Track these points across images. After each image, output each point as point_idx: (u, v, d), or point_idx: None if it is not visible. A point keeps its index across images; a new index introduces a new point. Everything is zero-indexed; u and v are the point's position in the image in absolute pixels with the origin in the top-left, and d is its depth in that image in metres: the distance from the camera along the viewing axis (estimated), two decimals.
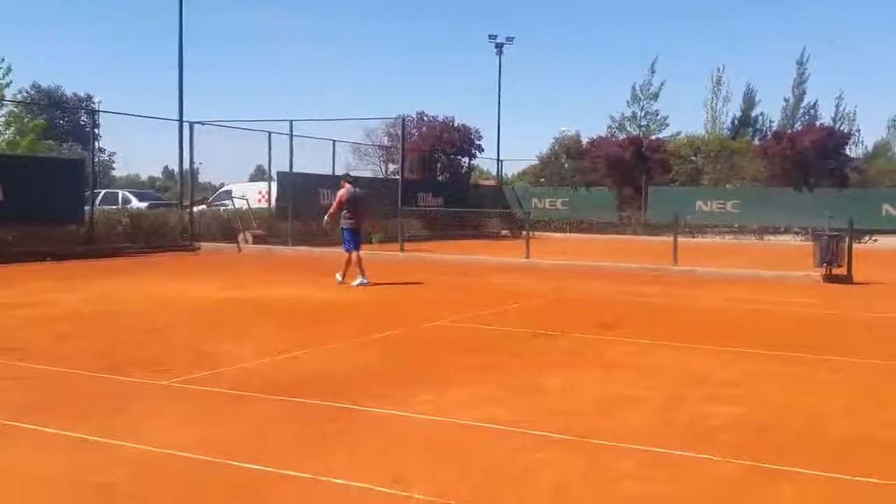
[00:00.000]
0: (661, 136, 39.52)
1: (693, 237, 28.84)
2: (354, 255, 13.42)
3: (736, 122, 45.21)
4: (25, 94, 28.50)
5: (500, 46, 39.82)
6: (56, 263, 16.31)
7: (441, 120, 35.30)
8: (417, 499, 3.85)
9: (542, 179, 39.32)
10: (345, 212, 13.60)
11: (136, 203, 27.06)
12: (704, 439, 4.91)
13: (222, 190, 29.20)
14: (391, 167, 36.90)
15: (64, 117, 47.55)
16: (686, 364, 7.27)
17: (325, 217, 14.30)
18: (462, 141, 35.00)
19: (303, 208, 23.69)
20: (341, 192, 13.78)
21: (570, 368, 6.96)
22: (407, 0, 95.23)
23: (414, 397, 5.76)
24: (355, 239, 13.56)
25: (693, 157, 37.10)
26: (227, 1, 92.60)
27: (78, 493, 3.87)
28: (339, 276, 13.30)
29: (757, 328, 9.63)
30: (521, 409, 5.53)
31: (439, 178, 35.13)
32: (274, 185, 24.27)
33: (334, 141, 27.21)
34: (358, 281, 13.13)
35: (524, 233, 20.16)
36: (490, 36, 39.93)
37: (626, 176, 34.05)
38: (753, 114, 45.48)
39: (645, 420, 5.38)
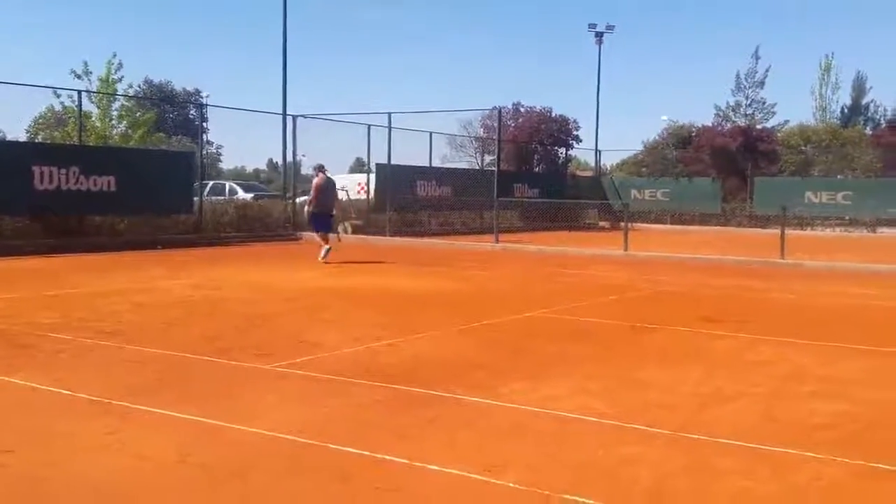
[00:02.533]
0: (767, 125, 38.22)
1: (801, 230, 27.83)
2: (326, 236, 15.27)
3: (846, 110, 43.33)
4: (137, 89, 29.73)
5: (600, 35, 39.25)
6: (166, 251, 17.01)
7: (538, 110, 35.05)
8: (511, 487, 3.85)
9: (644, 169, 38.62)
10: (317, 199, 15.43)
11: (242, 194, 27.96)
12: (807, 436, 4.75)
13: None
14: (487, 158, 36.92)
15: (174, 111, 49.41)
16: (790, 359, 7.04)
17: (307, 207, 16.02)
18: (559, 131, 34.67)
19: (400, 199, 23.99)
20: (317, 181, 15.50)
21: (669, 362, 6.83)
22: None
23: (509, 387, 5.76)
24: (326, 222, 15.52)
25: (803, 147, 35.73)
26: None
27: (184, 472, 4.03)
28: (321, 256, 14.84)
29: (867, 324, 9.23)
30: (617, 402, 5.46)
31: (536, 169, 34.92)
32: (373, 177, 24.64)
33: (431, 133, 27.42)
34: (323, 252, 14.86)
35: (623, 224, 19.85)
36: (590, 25, 39.42)
37: (732, 166, 33.08)
38: (864, 101, 43.49)
39: (746, 416, 5.23)
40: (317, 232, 15.54)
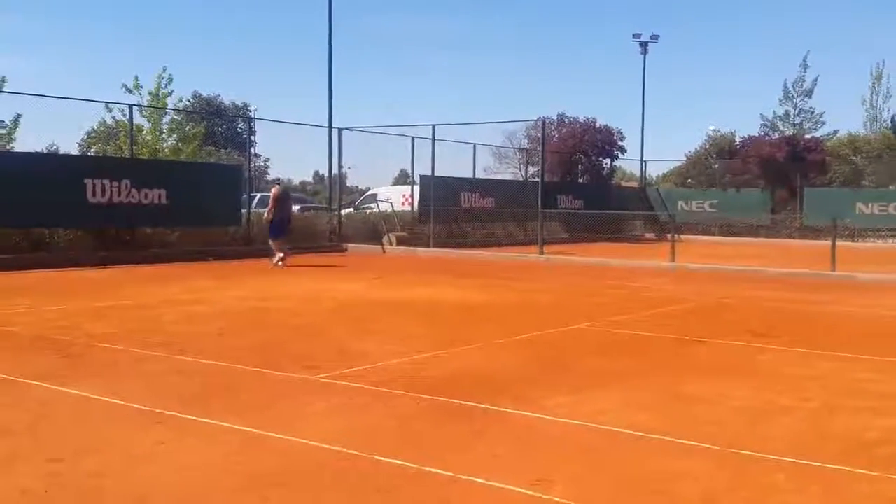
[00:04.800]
0: (816, 134, 37.56)
1: (853, 241, 27.29)
2: (279, 242, 16.85)
3: None
4: (186, 103, 30.27)
5: (644, 45, 38.94)
6: (216, 263, 17.25)
7: (582, 121, 34.86)
8: (557, 501, 3.83)
9: (689, 180, 38.19)
10: (274, 208, 17.18)
11: None
12: (859, 453, 4.64)
13: (368, 193, 30.06)
14: (531, 169, 36.84)
15: (222, 125, 50.23)
16: (842, 374, 6.89)
17: (266, 214, 17.50)
18: (604, 142, 34.42)
19: (444, 211, 24.05)
20: (274, 191, 17.57)
21: (717, 376, 6.74)
22: (548, 1, 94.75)
23: (553, 400, 5.73)
24: (283, 228, 17.18)
25: (853, 157, 35.03)
26: (373, 6, 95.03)
27: (230, 480, 4.08)
28: (273, 260, 16.52)
29: None
30: (664, 416, 5.40)
31: (580, 179, 34.74)
32: (417, 189, 24.74)
33: (475, 144, 27.47)
34: (276, 259, 16.49)
35: (669, 236, 19.65)
36: (634, 35, 39.10)
37: (780, 177, 32.57)
38: None
39: (796, 431, 5.13)
40: (275, 239, 17.03)
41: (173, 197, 18.50)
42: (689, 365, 7.24)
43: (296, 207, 27.72)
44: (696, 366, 7.21)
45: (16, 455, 4.42)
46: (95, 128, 24.65)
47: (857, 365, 7.29)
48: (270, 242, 17.18)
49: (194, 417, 5.16)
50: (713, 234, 32.15)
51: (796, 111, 39.76)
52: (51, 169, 17.07)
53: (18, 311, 9.92)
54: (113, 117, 21.69)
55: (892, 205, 29.95)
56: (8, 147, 20.15)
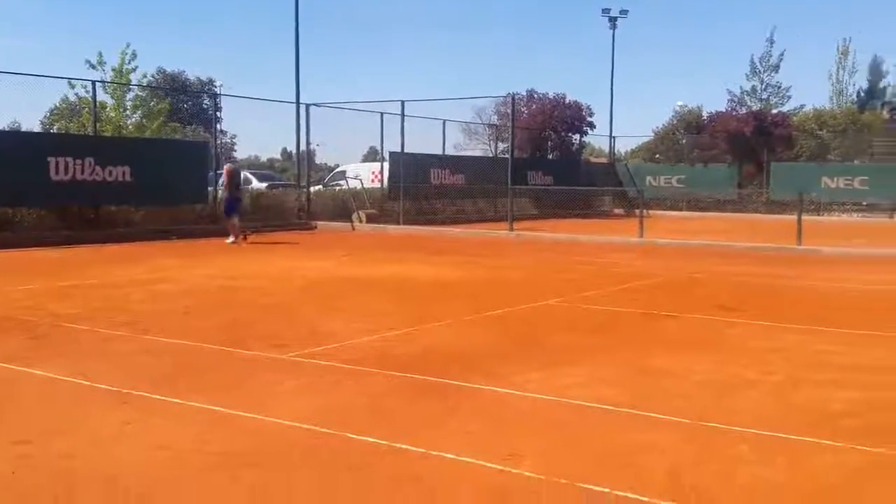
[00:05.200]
0: (783, 109, 37.89)
1: (819, 215, 27.68)
2: (235, 218, 17.09)
3: (862, 94, 42.90)
4: (151, 79, 29.80)
5: (613, 20, 38.96)
6: (181, 241, 17.07)
7: (551, 97, 34.87)
8: (528, 476, 3.86)
9: (658, 156, 38.40)
10: (229, 185, 17.53)
11: (256, 184, 28.02)
12: (824, 424, 4.73)
13: (337, 170, 29.87)
14: (501, 146, 36.79)
15: (187, 101, 49.50)
16: (807, 347, 7.01)
17: (222, 192, 17.95)
18: (573, 118, 34.49)
19: (414, 188, 23.99)
20: (227, 168, 17.89)
21: (684, 350, 6.81)
22: None
23: (524, 376, 5.76)
24: (235, 206, 17.32)
25: (819, 132, 35.43)
26: None
27: (201, 461, 4.06)
28: (229, 240, 16.77)
29: (886, 310, 9.17)
30: (632, 391, 5.45)
31: (550, 156, 34.80)
32: (386, 165, 24.64)
33: (444, 121, 27.38)
34: (230, 240, 16.73)
35: (638, 211, 19.79)
36: (603, 10, 39.10)
37: (747, 152, 32.88)
38: (882, 85, 43.04)
39: (762, 404, 5.22)
40: (231, 216, 17.24)
41: (138, 174, 18.24)
42: (657, 339, 7.31)
43: (263, 185, 27.60)
44: (664, 340, 7.28)
45: None
46: (58, 105, 24.22)
47: (821, 337, 7.41)
48: (226, 221, 17.35)
49: (162, 397, 5.12)
50: (681, 210, 32.43)
51: (763, 86, 40.00)
52: (13, 147, 16.75)
53: None
54: (76, 94, 21.27)
55: (857, 179, 30.42)
56: None
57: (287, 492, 3.72)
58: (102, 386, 5.37)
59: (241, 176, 18.89)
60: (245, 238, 16.98)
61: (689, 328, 7.95)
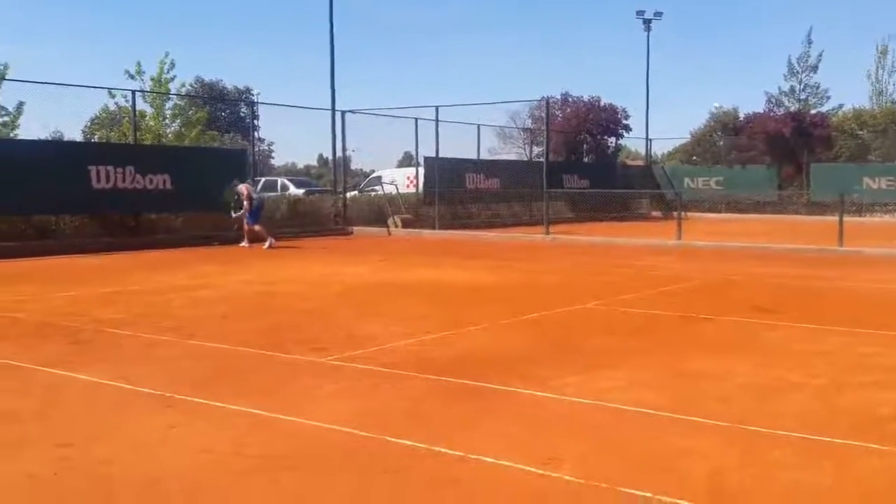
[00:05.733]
0: (822, 110, 37.28)
1: (860, 216, 27.21)
2: (257, 226, 17.64)
3: None
4: (189, 88, 30.21)
5: (648, 22, 38.65)
6: (221, 248, 17.27)
7: (586, 100, 34.68)
8: (567, 480, 3.84)
9: (695, 158, 38.01)
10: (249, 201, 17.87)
11: (293, 190, 28.28)
12: (870, 428, 4.64)
13: (373, 176, 30.02)
14: (535, 150, 36.70)
15: (225, 109, 50.12)
16: (851, 349, 6.88)
17: (242, 212, 17.78)
18: (609, 121, 34.28)
19: (449, 192, 24.02)
20: (245, 189, 17.90)
21: (724, 353, 6.73)
22: None
23: (562, 379, 5.73)
24: (258, 213, 17.99)
25: (859, 132, 34.83)
26: None
27: (241, 463, 4.09)
28: (266, 244, 17.26)
29: None
30: (671, 394, 5.40)
31: (585, 159, 34.63)
32: (421, 171, 24.70)
33: (479, 125, 27.40)
34: (268, 242, 17.32)
35: (676, 213, 19.60)
36: (638, 12, 38.83)
37: (787, 153, 32.43)
38: None
39: (805, 407, 5.13)
40: (256, 223, 17.72)
41: (177, 182, 18.50)
42: (696, 342, 7.23)
43: (301, 191, 27.82)
44: (704, 343, 7.20)
45: (24, 440, 4.44)
46: (99, 114, 24.66)
47: (865, 339, 7.27)
48: (256, 229, 17.62)
49: (204, 401, 5.18)
50: (720, 212, 32.08)
51: (801, 87, 39.38)
52: (55, 156, 17.10)
53: (26, 298, 9.95)
54: (116, 103, 21.69)
55: None
56: (12, 135, 20.16)
57: (326, 494, 3.74)
58: (145, 390, 5.45)
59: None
60: (250, 244, 17.41)
61: (729, 331, 7.85)
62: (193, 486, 3.83)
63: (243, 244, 17.53)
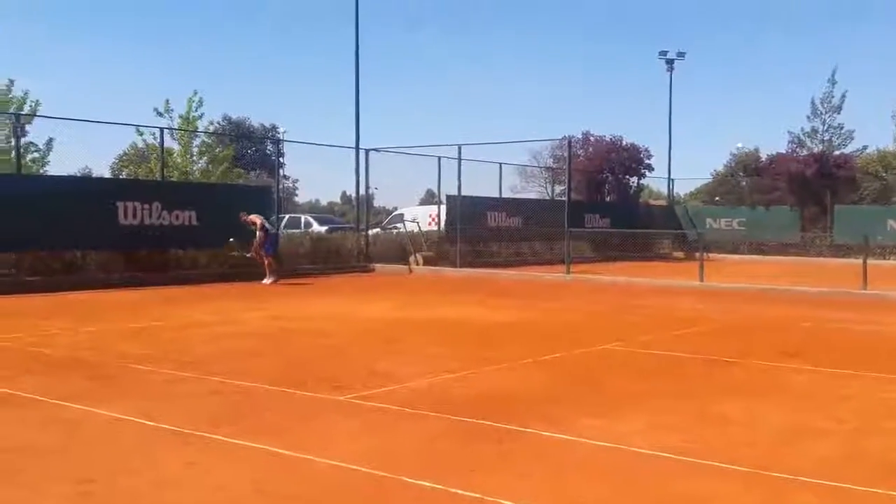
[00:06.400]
0: (846, 151, 37.11)
1: (885, 259, 26.93)
2: (271, 258, 17.91)
3: None
4: (216, 126, 30.63)
5: (670, 63, 38.85)
6: (245, 284, 17.35)
7: (608, 139, 34.82)
8: None
9: (717, 199, 37.91)
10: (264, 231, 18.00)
11: (316, 227, 28.48)
12: (894, 474, 4.56)
13: (395, 213, 30.17)
14: (557, 188, 36.79)
15: (251, 147, 50.73)
16: (877, 395, 6.78)
17: (259, 237, 17.83)
18: (630, 160, 34.36)
19: (471, 230, 24.09)
20: (259, 220, 17.95)
21: (748, 397, 6.66)
22: (571, 19, 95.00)
23: (583, 421, 5.70)
24: (275, 244, 18.49)
25: (883, 174, 34.62)
26: (397, 28, 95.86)
27: (260, 501, 4.10)
28: (268, 281, 17.47)
29: None
30: (694, 438, 5.35)
31: (607, 198, 34.65)
32: (443, 208, 24.81)
33: (501, 164, 27.53)
34: (269, 280, 17.55)
35: (698, 254, 19.52)
36: (660, 52, 39.04)
37: (810, 194, 32.27)
38: None
39: (829, 453, 5.06)
40: (273, 255, 18.12)
41: (203, 218, 18.69)
42: (719, 385, 7.17)
43: (324, 228, 28.01)
44: (727, 386, 7.14)
45: (47, 475, 4.47)
46: (127, 151, 25.08)
47: (891, 385, 7.18)
48: (268, 261, 17.80)
49: (223, 438, 5.20)
50: (742, 253, 31.90)
51: (825, 127, 39.26)
52: (83, 192, 17.36)
53: (51, 332, 10.06)
54: (144, 140, 22.05)
55: None
56: (41, 171, 20.53)
57: None
58: (166, 426, 5.48)
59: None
60: (276, 280, 17.55)
61: (752, 374, 7.78)
62: None
63: (266, 281, 17.54)
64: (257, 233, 17.81)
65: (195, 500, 4.13)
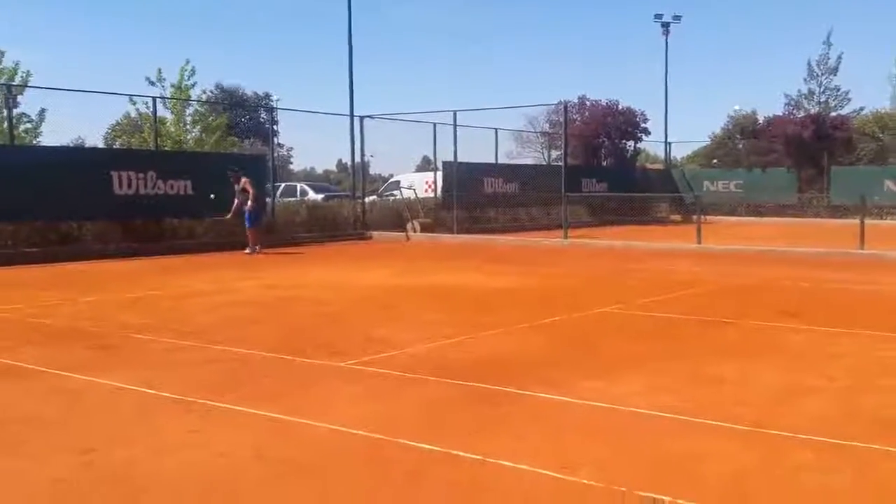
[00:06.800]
0: (842, 112, 36.99)
1: (881, 219, 26.95)
2: (252, 230, 17.29)
3: None
4: (209, 95, 30.46)
5: (666, 26, 38.52)
6: (241, 252, 17.35)
7: (604, 104, 34.65)
8: (586, 483, 3.85)
9: (715, 161, 37.83)
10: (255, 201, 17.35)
11: (312, 195, 28.40)
12: (891, 431, 4.61)
13: (391, 181, 30.10)
14: (554, 154, 36.70)
15: (245, 115, 50.43)
16: (872, 353, 6.83)
17: (249, 203, 17.15)
18: (627, 124, 34.23)
19: (467, 197, 24.05)
20: (251, 187, 17.20)
21: (744, 357, 6.71)
22: None
23: (580, 383, 5.74)
24: (259, 216, 17.74)
25: (879, 135, 34.55)
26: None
27: (262, 468, 4.13)
28: (248, 250, 17.01)
29: None
30: (691, 398, 5.39)
31: (604, 163, 34.56)
32: (439, 175, 24.74)
33: (496, 129, 27.40)
34: (251, 248, 17.08)
35: (695, 217, 19.53)
36: (656, 15, 38.70)
37: (806, 156, 32.21)
38: None
39: (825, 410, 5.11)
40: (258, 227, 17.42)
41: (198, 188, 18.64)
42: (715, 346, 7.21)
43: (320, 196, 27.95)
44: (723, 347, 7.18)
45: (48, 445, 4.50)
46: (120, 120, 24.94)
47: (886, 343, 7.22)
48: (250, 232, 17.27)
49: (224, 405, 5.23)
50: (739, 215, 31.94)
51: (821, 89, 39.07)
52: (78, 162, 17.31)
53: (51, 303, 10.07)
54: (137, 110, 21.93)
55: None
56: (35, 141, 20.42)
57: (345, 497, 3.77)
58: (167, 394, 5.51)
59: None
60: (253, 252, 16.98)
61: (749, 335, 7.82)
62: (215, 489, 3.87)
63: (246, 251, 17.12)
64: (247, 201, 17.19)
65: (197, 466, 4.16)
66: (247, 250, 17.06)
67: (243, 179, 17.38)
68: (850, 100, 38.82)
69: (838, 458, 4.21)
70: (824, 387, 5.69)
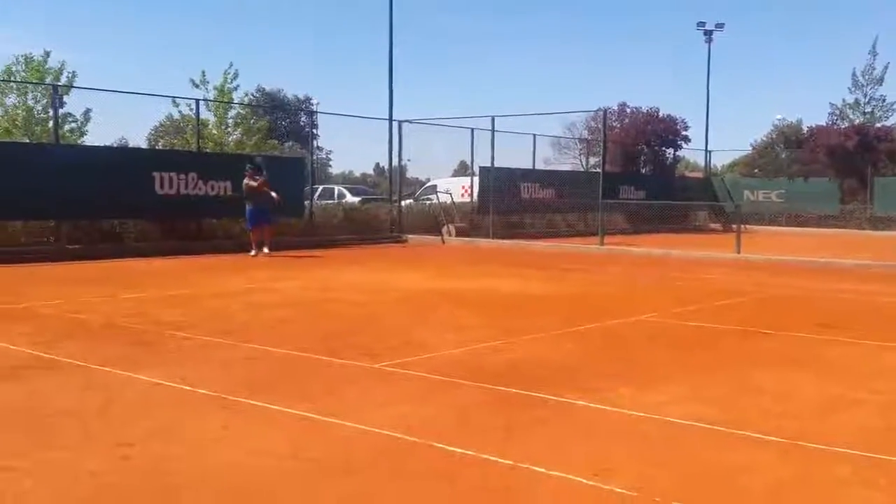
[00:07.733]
0: (887, 123, 36.33)
1: None
2: (253, 231, 16.89)
3: None
4: (251, 97, 30.76)
5: (709, 34, 38.18)
6: (279, 253, 17.48)
7: (644, 111, 34.40)
8: (619, 492, 3.80)
9: (756, 170, 37.34)
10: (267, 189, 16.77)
11: (350, 198, 28.57)
12: None
13: (428, 185, 30.15)
14: (591, 160, 36.47)
15: (285, 118, 50.85)
16: None
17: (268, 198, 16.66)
18: (667, 132, 33.92)
19: (504, 202, 24.00)
20: (263, 182, 16.72)
21: (784, 369, 6.60)
22: None
23: (616, 391, 5.69)
24: (262, 216, 16.91)
25: None
26: (432, 4, 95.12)
27: (297, 467, 4.15)
28: (252, 252, 16.55)
29: None
30: (729, 409, 5.31)
31: (643, 170, 34.29)
32: (476, 180, 24.74)
33: (535, 135, 27.34)
34: (254, 251, 16.63)
35: (735, 226, 19.28)
36: (698, 23, 38.38)
37: (850, 167, 31.70)
38: None
39: (865, 424, 5.00)
40: (259, 226, 16.85)
41: (238, 189, 18.81)
42: (754, 357, 7.11)
43: (357, 199, 28.10)
44: (762, 358, 7.07)
45: (86, 438, 4.57)
46: (163, 122, 25.29)
47: None
48: (252, 234, 16.85)
49: (260, 403, 5.26)
50: (780, 225, 31.48)
51: (866, 99, 38.44)
52: (122, 162, 17.60)
53: (90, 299, 10.23)
54: (180, 112, 22.20)
55: None
56: (79, 141, 20.78)
57: (378, 498, 3.78)
58: (203, 391, 5.56)
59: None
60: (262, 252, 16.56)
61: (789, 346, 7.70)
62: (250, 486, 3.89)
63: (252, 253, 16.65)
64: (271, 193, 16.61)
65: (231, 463, 4.19)
66: (252, 252, 16.63)
67: (260, 180, 16.77)
68: (895, 111, 38.22)
69: (878, 473, 4.11)
70: (866, 400, 5.58)
